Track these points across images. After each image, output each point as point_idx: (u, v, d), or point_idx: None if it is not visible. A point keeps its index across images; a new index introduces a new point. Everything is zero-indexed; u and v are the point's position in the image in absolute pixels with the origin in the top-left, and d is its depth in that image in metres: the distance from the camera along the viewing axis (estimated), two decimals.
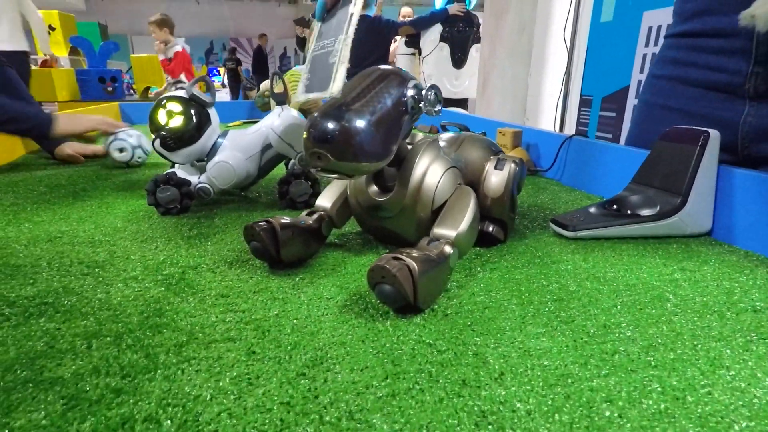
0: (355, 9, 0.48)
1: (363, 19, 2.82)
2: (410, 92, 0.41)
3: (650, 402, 0.27)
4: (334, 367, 0.30)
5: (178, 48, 3.57)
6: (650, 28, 1.38)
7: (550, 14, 1.90)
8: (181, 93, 0.64)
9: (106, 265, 0.45)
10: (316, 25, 0.54)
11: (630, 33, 1.41)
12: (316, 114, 0.38)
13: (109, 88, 3.36)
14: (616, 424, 0.25)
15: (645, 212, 0.54)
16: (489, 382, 0.28)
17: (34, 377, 0.28)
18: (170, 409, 0.26)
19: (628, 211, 0.55)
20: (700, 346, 0.32)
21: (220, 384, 0.28)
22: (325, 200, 0.49)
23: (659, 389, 0.28)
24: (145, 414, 0.25)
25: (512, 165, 0.49)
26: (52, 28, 4.26)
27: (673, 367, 0.30)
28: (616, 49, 1.49)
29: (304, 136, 0.38)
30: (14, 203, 0.66)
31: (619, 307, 0.38)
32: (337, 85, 0.45)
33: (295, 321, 0.35)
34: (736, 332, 0.34)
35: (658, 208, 0.53)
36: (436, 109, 0.42)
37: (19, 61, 1.51)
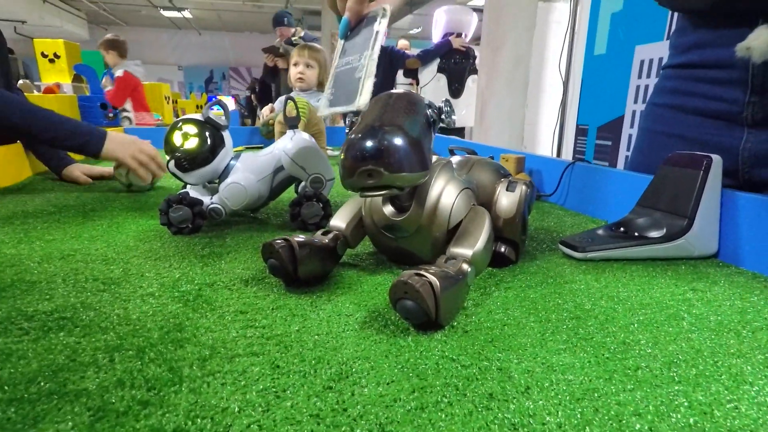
0: (381, 27, 0.50)
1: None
2: (429, 107, 0.43)
3: (678, 416, 0.27)
4: (360, 381, 0.30)
5: (120, 72, 3.25)
6: (642, 61, 1.44)
7: (545, 47, 1.97)
8: (197, 116, 0.65)
9: (122, 282, 0.45)
10: (340, 43, 0.56)
11: (623, 65, 1.47)
12: (353, 136, 0.40)
13: (110, 114, 3.40)
14: None
15: (653, 234, 0.55)
16: (516, 395, 0.28)
17: (58, 389, 0.28)
18: (199, 420, 0.26)
19: (636, 233, 0.56)
20: (720, 362, 0.33)
21: (247, 397, 0.28)
22: (340, 220, 0.50)
23: (686, 404, 0.28)
24: (174, 426, 0.25)
25: (524, 187, 0.50)
26: (56, 56, 4.36)
27: (697, 383, 0.30)
28: (610, 81, 1.55)
29: (346, 158, 0.39)
30: (24, 222, 0.66)
31: (636, 325, 0.38)
32: (364, 98, 0.47)
33: (316, 336, 0.35)
34: (754, 349, 0.34)
35: (665, 230, 0.54)
36: (453, 118, 0.45)
37: None
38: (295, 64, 1.67)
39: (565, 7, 1.75)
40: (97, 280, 0.45)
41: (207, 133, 0.65)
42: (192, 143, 0.63)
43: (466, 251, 0.41)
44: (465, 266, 0.39)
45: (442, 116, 0.44)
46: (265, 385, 0.29)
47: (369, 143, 0.39)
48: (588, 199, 0.79)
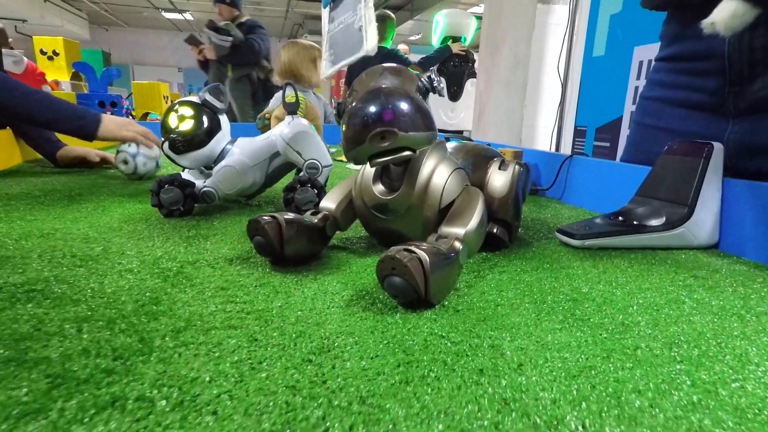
0: None
1: (380, 50, 2.92)
2: (420, 79, 0.43)
3: (681, 394, 0.25)
4: (342, 355, 0.28)
5: None
6: (641, 62, 1.44)
7: (543, 49, 1.97)
8: (194, 98, 0.64)
9: (101, 259, 0.43)
10: (325, 13, 0.56)
11: (622, 67, 1.47)
12: (356, 104, 0.39)
13: (108, 113, 3.39)
14: (649, 414, 0.23)
15: (652, 222, 0.53)
16: (508, 371, 0.27)
17: (18, 357, 0.26)
18: (165, 389, 0.24)
19: (635, 222, 0.54)
20: (724, 344, 0.31)
21: (220, 368, 0.26)
22: (330, 202, 0.48)
23: (689, 382, 0.26)
24: (137, 394, 0.23)
25: (516, 166, 0.49)
26: (55, 53, 4.35)
27: (700, 363, 0.28)
28: (608, 82, 1.54)
29: (354, 126, 0.39)
30: (7, 204, 0.64)
31: (635, 307, 0.36)
32: (370, 42, 0.47)
33: (299, 312, 0.34)
34: (758, 332, 0.33)
35: (664, 218, 0.53)
36: (443, 86, 0.45)
37: None
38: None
39: (564, 9, 1.75)
40: (74, 257, 0.43)
41: (203, 116, 0.63)
42: (187, 125, 0.62)
43: (458, 230, 0.39)
44: (457, 244, 0.38)
45: (434, 84, 0.43)
46: (240, 357, 0.27)
47: (378, 106, 0.38)
48: (586, 193, 0.78)
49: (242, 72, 2.42)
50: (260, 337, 0.30)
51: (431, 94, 0.45)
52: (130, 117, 4.41)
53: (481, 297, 0.38)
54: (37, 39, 4.27)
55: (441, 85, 0.44)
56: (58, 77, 4.31)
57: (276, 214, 0.42)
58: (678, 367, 0.28)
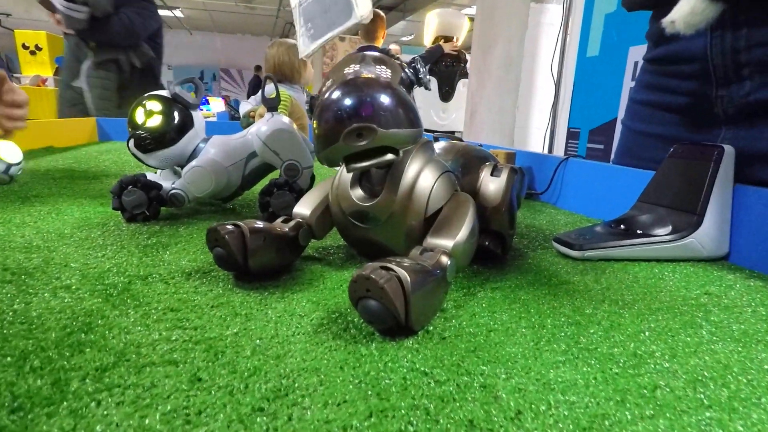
0: None
1: (370, 49, 2.87)
2: (403, 68, 0.38)
3: None
4: (303, 401, 0.23)
5: None
6: (636, 63, 1.41)
7: (537, 49, 1.94)
8: (164, 92, 0.59)
9: (36, 273, 0.38)
10: None
11: (616, 67, 1.43)
12: (329, 95, 0.33)
13: None
14: None
15: (658, 231, 0.49)
16: (504, 423, 0.22)
17: None
18: None
19: (639, 231, 0.50)
20: (756, 381, 0.26)
21: (147, 422, 0.21)
22: (304, 207, 0.43)
23: None
24: None
25: (510, 171, 0.44)
26: (38, 48, 4.23)
27: (732, 408, 0.24)
28: (602, 83, 1.51)
29: (326, 121, 0.33)
30: None
31: (647, 333, 0.32)
32: (363, 7, 0.41)
33: (258, 341, 0.28)
34: None
35: (671, 227, 0.49)
36: (428, 78, 0.40)
37: None
38: None
39: (558, 8, 1.72)
40: (6, 270, 0.38)
41: (173, 111, 0.58)
42: (155, 121, 0.56)
43: (446, 242, 0.34)
44: (444, 259, 0.33)
45: (420, 76, 0.38)
46: (175, 405, 0.22)
47: (354, 98, 0.33)
48: (582, 198, 0.74)
49: (107, 55, 1.72)
50: (205, 375, 0.25)
51: (421, 91, 0.40)
52: None
53: (472, 320, 0.33)
54: (19, 33, 4.15)
55: (427, 77, 0.39)
56: (41, 72, 4.19)
57: (240, 222, 0.37)
58: (707, 414, 0.23)
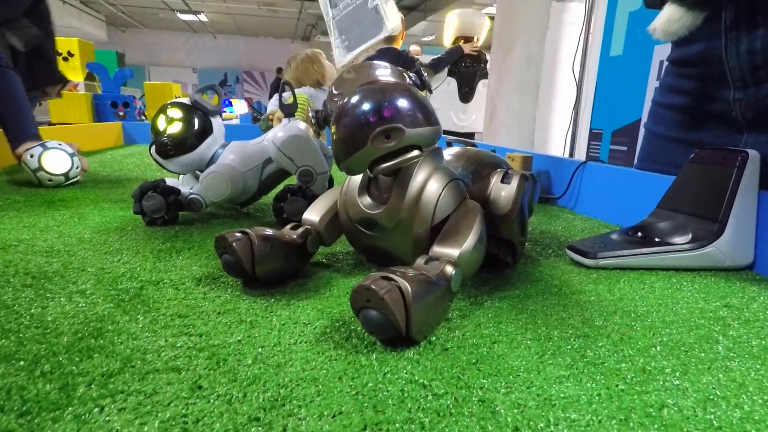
0: None
1: (389, 51, 2.86)
2: (411, 73, 0.39)
3: None
4: (299, 411, 0.23)
5: None
6: (661, 62, 1.36)
7: (558, 48, 1.90)
8: (185, 100, 0.61)
9: (55, 277, 0.39)
10: None
11: (641, 67, 1.39)
12: (354, 98, 0.34)
13: (121, 113, 3.41)
14: None
15: (677, 240, 0.47)
16: None
17: None
18: None
19: (657, 239, 0.49)
20: None
21: (146, 429, 0.21)
22: (314, 214, 0.43)
23: None
24: None
25: (520, 178, 0.43)
26: (70, 54, 4.40)
27: (743, 430, 0.23)
28: (626, 83, 1.47)
29: (351, 126, 0.34)
30: None
31: (659, 347, 0.31)
32: (392, 21, 0.43)
33: (260, 349, 0.29)
34: None
35: (691, 235, 0.47)
36: (431, 83, 0.41)
37: None
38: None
39: (580, 7, 1.68)
40: (27, 274, 0.39)
41: (193, 118, 0.60)
42: (176, 128, 0.58)
43: (452, 251, 0.34)
44: (449, 269, 0.32)
45: (423, 79, 0.37)
46: (174, 413, 0.22)
47: (377, 101, 0.33)
48: (601, 202, 0.72)
49: None
50: (206, 383, 0.25)
51: (441, 93, 0.40)
52: (143, 117, 4.47)
53: (476, 331, 0.32)
54: None
55: (430, 81, 0.39)
56: (73, 78, 4.33)
57: (249, 230, 0.37)
58: None
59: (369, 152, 0.34)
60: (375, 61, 0.38)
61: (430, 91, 0.39)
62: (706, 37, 0.49)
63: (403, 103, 0.34)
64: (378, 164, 0.35)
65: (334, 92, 0.38)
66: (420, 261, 0.34)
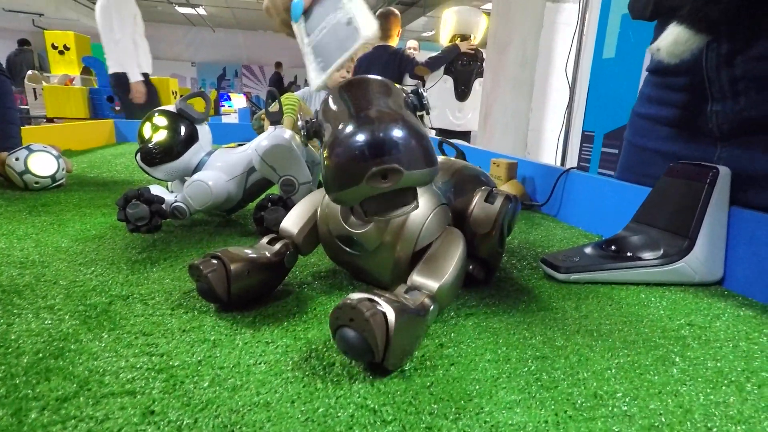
0: None
1: (386, 49, 2.84)
2: (406, 94, 0.36)
3: None
4: None
5: None
6: None
7: (552, 49, 1.90)
8: (170, 107, 0.61)
9: (25, 291, 0.39)
10: (298, 27, 0.51)
11: (633, 70, 1.39)
12: (350, 127, 0.30)
13: (117, 107, 3.40)
14: None
15: (647, 255, 0.48)
16: None
17: None
18: None
19: (629, 253, 0.49)
20: (715, 429, 0.26)
21: None
22: (292, 224, 0.43)
23: None
24: None
25: (505, 200, 0.43)
26: (66, 48, 4.38)
27: None
28: (618, 86, 1.47)
29: (346, 159, 0.30)
30: None
31: (614, 370, 0.31)
32: (367, 28, 0.40)
33: (218, 371, 0.29)
34: (759, 411, 0.27)
35: (662, 251, 0.47)
36: (430, 105, 0.38)
37: None
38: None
39: (575, 8, 1.68)
40: None
41: (179, 126, 0.60)
42: (161, 135, 0.59)
43: (432, 283, 0.34)
44: (427, 302, 0.32)
45: (423, 102, 0.36)
46: None
47: (377, 136, 0.29)
48: (583, 211, 0.72)
49: None
50: (159, 408, 0.25)
51: (437, 90, 0.38)
52: None
53: (436, 351, 0.33)
54: (49, 33, 4.29)
55: (429, 102, 0.37)
56: (69, 72, 4.33)
57: (223, 255, 0.37)
58: None
59: (363, 190, 0.31)
60: (374, 77, 0.36)
61: (428, 113, 0.38)
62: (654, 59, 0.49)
63: (402, 139, 0.30)
64: (372, 209, 0.32)
65: (331, 106, 0.35)
66: (400, 290, 0.33)
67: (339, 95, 0.35)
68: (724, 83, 0.53)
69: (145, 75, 2.84)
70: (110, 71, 2.84)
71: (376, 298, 0.28)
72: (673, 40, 0.46)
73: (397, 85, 0.38)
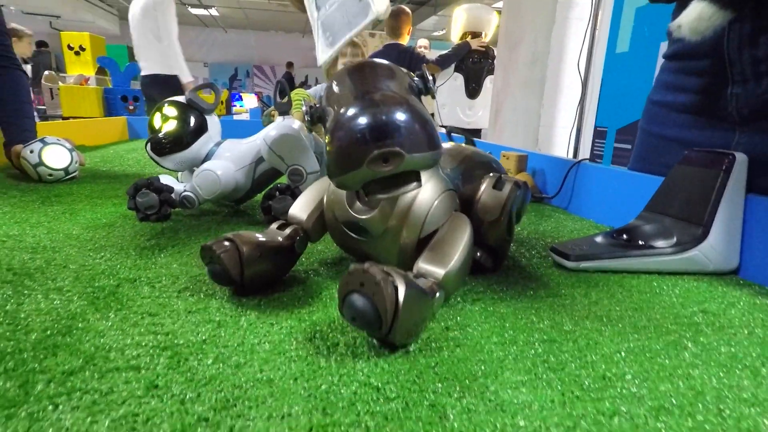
0: None
1: (395, 47, 2.84)
2: (414, 77, 0.36)
3: None
4: (249, 413, 0.23)
5: None
6: None
7: (564, 45, 1.87)
8: (180, 98, 0.61)
9: (36, 274, 0.40)
10: (308, 1, 0.51)
11: (647, 64, 1.37)
12: (352, 110, 0.30)
13: (131, 107, 3.45)
14: None
15: (660, 243, 0.47)
16: None
17: None
18: None
19: (641, 242, 0.48)
20: (728, 411, 0.25)
21: (94, 428, 0.22)
22: (301, 210, 0.43)
23: None
24: None
25: (513, 185, 0.42)
26: (82, 48, 4.45)
27: None
28: (632, 80, 1.44)
29: (348, 143, 0.30)
30: None
31: (623, 353, 0.31)
32: (379, 3, 0.40)
33: (223, 349, 0.29)
34: None
35: (675, 239, 0.46)
36: (436, 87, 0.37)
37: None
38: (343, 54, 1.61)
39: (587, 3, 1.66)
40: (10, 270, 0.40)
41: (189, 116, 0.60)
42: (171, 126, 0.59)
43: (438, 270, 0.33)
44: (434, 289, 0.32)
45: (428, 85, 0.36)
46: (126, 412, 0.23)
47: (378, 119, 0.30)
48: (594, 203, 0.71)
49: None
50: (162, 382, 0.25)
51: (447, 88, 0.37)
52: None
53: (442, 334, 0.32)
54: (65, 35, 4.37)
55: (434, 84, 0.37)
56: (84, 72, 4.41)
57: (235, 238, 0.36)
58: None
59: (364, 173, 0.31)
60: (379, 61, 0.36)
61: (434, 97, 0.37)
62: (674, 38, 0.48)
63: (405, 123, 0.30)
64: (374, 189, 0.32)
65: (335, 90, 0.35)
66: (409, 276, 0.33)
67: (343, 79, 0.35)
68: (746, 64, 0.51)
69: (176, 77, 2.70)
70: (146, 72, 2.65)
71: (387, 269, 0.28)
72: (697, 15, 0.45)
73: (403, 69, 0.37)
